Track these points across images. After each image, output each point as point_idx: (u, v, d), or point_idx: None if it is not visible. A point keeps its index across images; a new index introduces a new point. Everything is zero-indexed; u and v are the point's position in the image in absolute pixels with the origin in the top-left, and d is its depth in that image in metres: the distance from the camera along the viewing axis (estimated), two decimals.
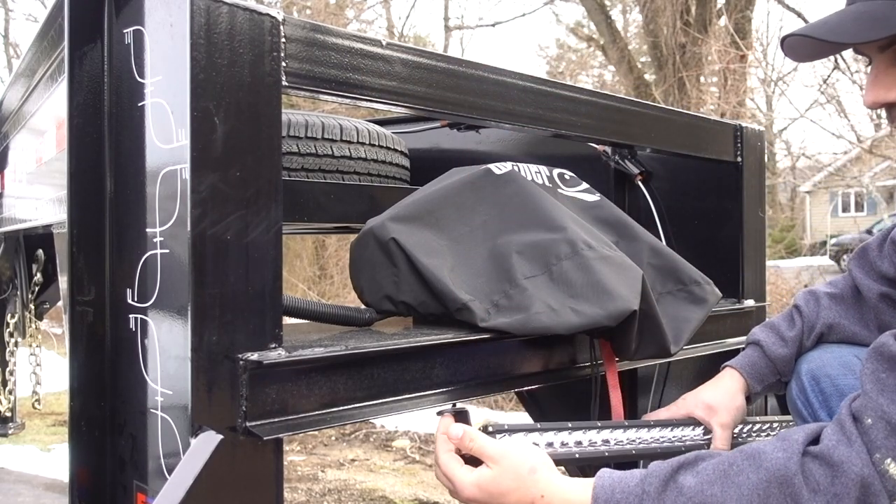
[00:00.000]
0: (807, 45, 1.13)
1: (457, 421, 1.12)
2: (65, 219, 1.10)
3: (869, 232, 12.91)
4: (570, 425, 1.22)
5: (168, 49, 1.00)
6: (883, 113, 1.16)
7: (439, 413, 1.15)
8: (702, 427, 1.38)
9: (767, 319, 1.52)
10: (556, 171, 1.55)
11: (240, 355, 0.97)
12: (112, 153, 1.11)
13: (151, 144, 1.03)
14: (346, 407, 1.08)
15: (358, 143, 1.75)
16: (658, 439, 1.32)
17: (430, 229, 1.33)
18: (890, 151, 9.21)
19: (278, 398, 1.00)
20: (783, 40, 1.14)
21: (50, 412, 5.07)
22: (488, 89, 1.35)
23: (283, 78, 1.04)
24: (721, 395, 1.40)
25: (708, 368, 1.98)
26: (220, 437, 0.94)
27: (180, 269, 0.97)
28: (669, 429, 1.35)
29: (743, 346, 1.50)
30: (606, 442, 1.25)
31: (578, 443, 1.21)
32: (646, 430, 1.32)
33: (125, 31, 1.08)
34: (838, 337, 1.43)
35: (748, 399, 1.43)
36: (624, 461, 1.27)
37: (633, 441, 1.29)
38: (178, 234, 0.97)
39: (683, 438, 1.35)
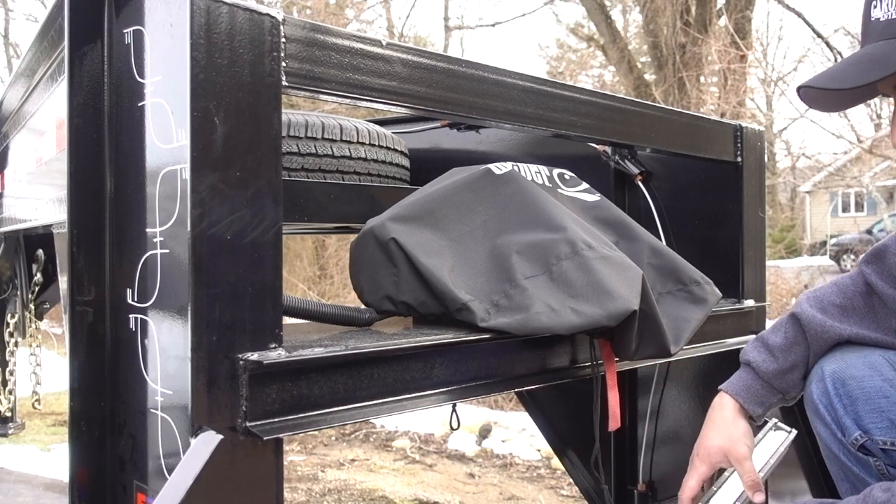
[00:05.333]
0: (820, 96, 1.11)
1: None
2: (65, 219, 1.10)
3: (869, 232, 12.90)
4: None
5: (168, 49, 1.00)
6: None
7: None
8: (729, 474, 1.38)
9: (765, 330, 1.46)
10: (556, 171, 1.55)
11: (240, 355, 0.97)
12: (112, 153, 1.11)
13: (151, 144, 1.03)
14: (346, 407, 1.08)
15: (358, 143, 1.75)
16: None
17: (430, 229, 1.33)
18: (890, 151, 9.20)
19: (278, 398, 1.00)
20: (798, 92, 1.13)
21: (50, 412, 5.07)
22: (488, 89, 1.35)
23: (283, 78, 1.04)
24: (721, 433, 1.36)
25: (708, 368, 1.99)
26: (220, 437, 0.93)
27: (180, 269, 0.97)
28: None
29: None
30: None
31: None
32: None
33: (125, 31, 1.08)
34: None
35: (752, 419, 1.40)
36: None
37: None
38: (178, 234, 0.97)
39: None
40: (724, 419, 1.38)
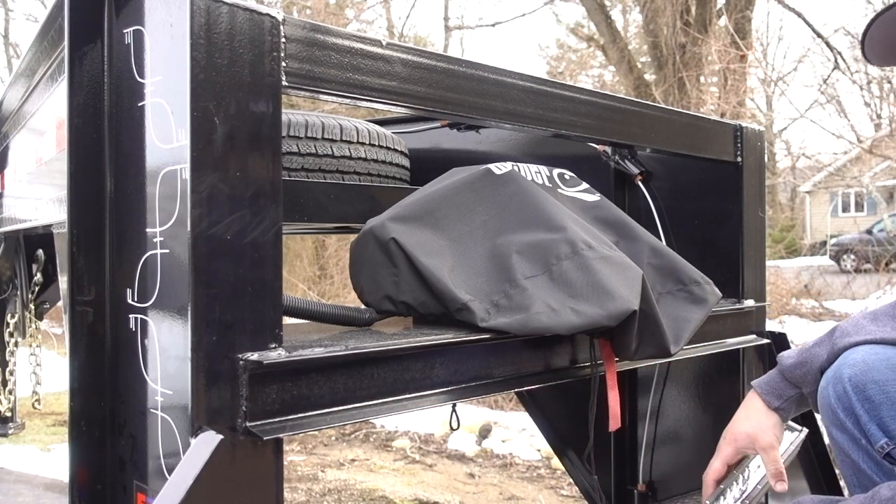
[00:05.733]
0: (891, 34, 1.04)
1: None
2: (65, 219, 1.10)
3: (869, 232, 12.88)
4: None
5: (168, 49, 1.00)
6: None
7: None
8: (753, 460, 1.42)
9: None
10: (556, 171, 1.55)
11: (240, 355, 0.97)
12: (112, 153, 1.11)
13: (151, 144, 1.03)
14: (346, 407, 1.08)
15: (358, 143, 1.75)
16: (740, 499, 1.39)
17: (430, 229, 1.33)
18: (890, 151, 9.20)
19: (278, 398, 1.00)
20: (864, 38, 1.06)
21: (50, 412, 5.07)
22: (488, 89, 1.35)
23: (283, 78, 1.04)
24: (750, 420, 1.41)
25: (708, 368, 1.99)
26: (220, 437, 0.93)
27: (180, 269, 0.97)
28: (738, 486, 1.41)
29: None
30: None
31: None
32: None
33: (125, 31, 1.08)
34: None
35: (779, 410, 1.42)
36: None
37: None
38: (178, 234, 0.97)
39: (751, 488, 1.40)
40: (755, 409, 1.43)
